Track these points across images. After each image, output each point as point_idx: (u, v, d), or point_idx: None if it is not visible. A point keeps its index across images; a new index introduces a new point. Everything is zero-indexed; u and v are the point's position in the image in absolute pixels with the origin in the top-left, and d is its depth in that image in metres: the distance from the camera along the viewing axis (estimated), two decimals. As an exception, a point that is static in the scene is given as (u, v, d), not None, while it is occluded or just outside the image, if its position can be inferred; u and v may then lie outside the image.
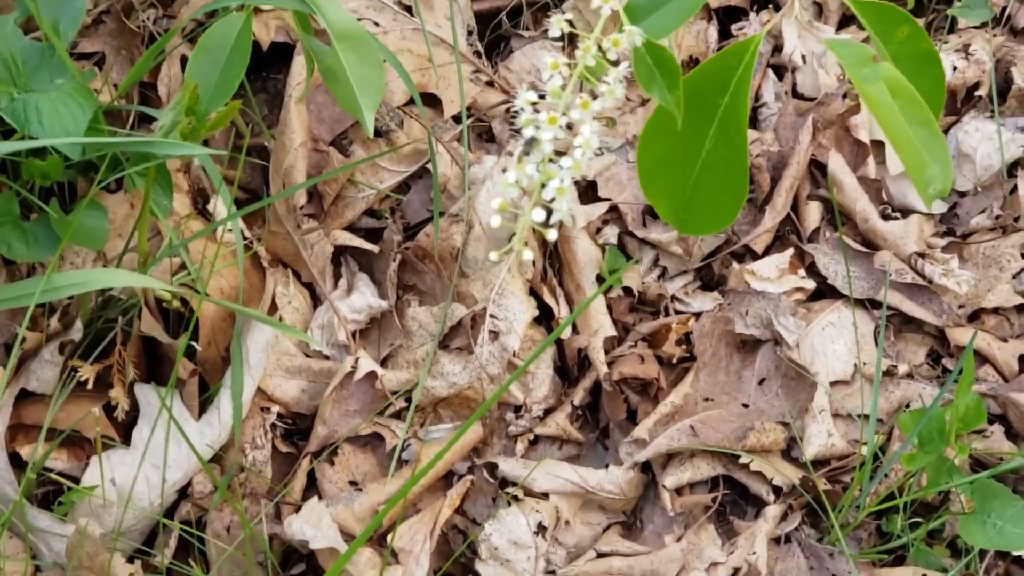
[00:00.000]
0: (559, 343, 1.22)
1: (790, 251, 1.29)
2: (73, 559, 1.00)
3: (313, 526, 1.05)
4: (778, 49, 1.45)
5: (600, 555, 1.11)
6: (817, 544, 1.12)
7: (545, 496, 1.13)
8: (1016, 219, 1.33)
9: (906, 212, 1.33)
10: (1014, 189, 1.34)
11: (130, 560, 1.04)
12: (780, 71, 1.44)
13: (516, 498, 1.12)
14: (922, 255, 1.28)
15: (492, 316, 1.18)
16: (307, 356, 1.17)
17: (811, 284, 1.27)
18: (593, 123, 0.61)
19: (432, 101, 1.31)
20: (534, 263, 1.23)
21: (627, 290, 1.27)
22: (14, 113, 0.96)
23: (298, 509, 1.08)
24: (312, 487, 1.13)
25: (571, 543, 1.13)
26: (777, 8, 1.48)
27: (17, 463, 1.05)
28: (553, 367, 1.21)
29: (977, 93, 1.41)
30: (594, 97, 0.64)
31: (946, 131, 1.40)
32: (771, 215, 1.31)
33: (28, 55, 1.01)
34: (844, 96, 1.37)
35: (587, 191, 1.29)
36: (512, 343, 1.16)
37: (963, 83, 1.42)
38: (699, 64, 1.39)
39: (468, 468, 1.15)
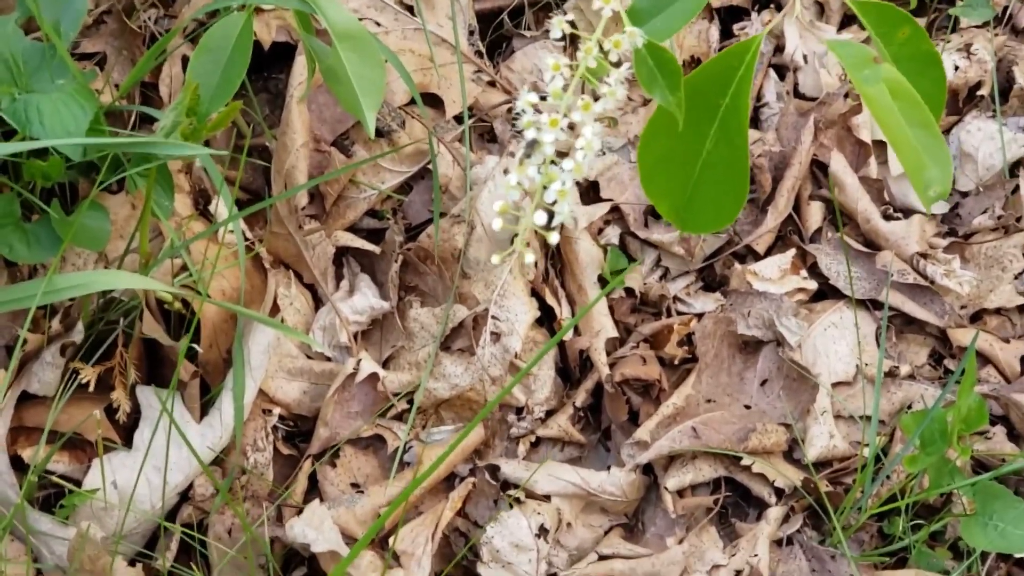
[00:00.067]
0: (561, 344, 1.22)
1: (792, 252, 1.28)
2: (74, 562, 1.00)
3: (315, 529, 1.05)
4: (780, 49, 1.45)
5: (602, 557, 1.11)
6: (819, 546, 1.12)
7: (547, 498, 1.13)
8: (1018, 219, 1.33)
9: (908, 212, 1.33)
10: (1016, 189, 1.34)
11: (131, 563, 1.04)
12: (782, 71, 1.44)
13: (518, 500, 1.11)
14: (924, 255, 1.28)
15: (494, 317, 1.18)
16: (309, 358, 1.17)
17: (813, 285, 1.27)
18: (595, 125, 0.61)
19: (434, 101, 1.30)
20: (536, 264, 1.23)
21: (629, 291, 1.27)
22: (15, 114, 0.96)
23: (299, 512, 1.08)
24: (314, 489, 1.13)
25: (573, 545, 1.13)
26: (779, 8, 1.48)
27: (18, 466, 1.05)
28: (555, 368, 1.21)
29: (979, 93, 1.40)
30: (596, 99, 0.64)
31: (948, 131, 1.39)
32: (773, 215, 1.30)
33: (29, 55, 1.01)
34: (846, 96, 1.37)
35: (589, 191, 1.29)
36: (514, 344, 1.16)
37: (965, 83, 1.41)
38: (701, 64, 1.40)
39: (470, 470, 1.15)
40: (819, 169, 1.35)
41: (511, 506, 1.11)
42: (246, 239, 1.18)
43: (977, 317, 1.29)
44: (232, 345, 1.11)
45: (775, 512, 1.13)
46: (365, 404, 1.16)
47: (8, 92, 0.98)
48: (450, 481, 1.16)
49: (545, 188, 0.60)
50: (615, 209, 1.30)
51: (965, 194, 1.36)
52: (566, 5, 1.38)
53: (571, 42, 0.77)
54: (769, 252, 1.30)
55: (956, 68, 1.41)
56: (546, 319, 1.23)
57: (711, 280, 1.30)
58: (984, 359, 1.25)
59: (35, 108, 0.96)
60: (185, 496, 1.09)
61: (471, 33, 1.36)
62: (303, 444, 1.16)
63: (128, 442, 1.08)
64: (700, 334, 1.23)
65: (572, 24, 0.62)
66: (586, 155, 0.60)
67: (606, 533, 1.14)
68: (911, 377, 1.23)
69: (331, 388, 1.14)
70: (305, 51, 1.07)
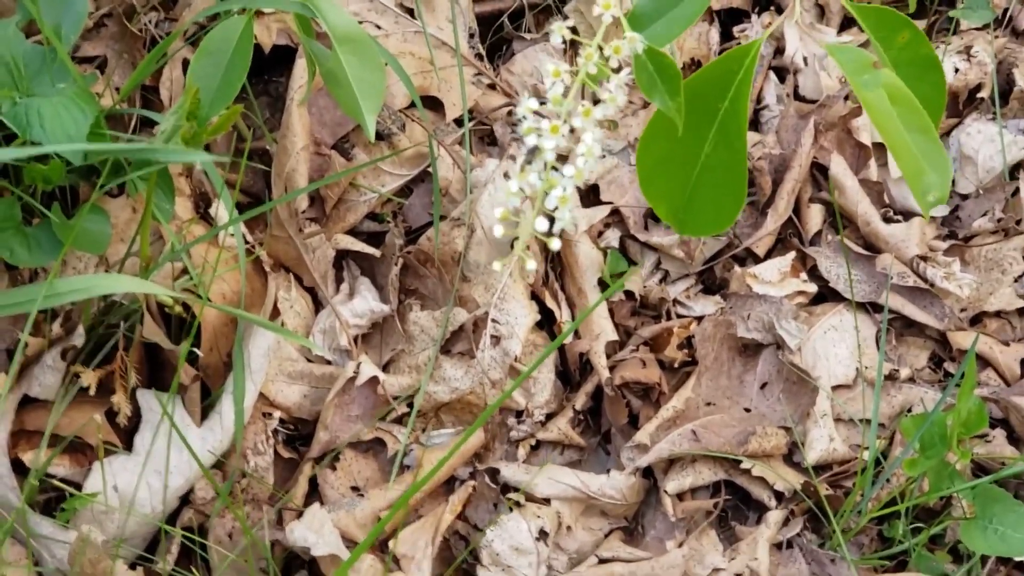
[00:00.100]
0: (561, 347, 1.22)
1: (792, 254, 1.28)
2: (75, 566, 1.00)
3: (315, 532, 1.05)
4: (780, 51, 1.45)
5: (602, 561, 1.11)
6: (819, 549, 1.12)
7: (547, 501, 1.13)
8: (1018, 222, 1.33)
9: (908, 215, 1.33)
10: (1016, 192, 1.34)
11: (132, 566, 1.04)
12: (782, 73, 1.44)
13: (518, 504, 1.11)
14: (924, 258, 1.28)
15: (494, 321, 1.18)
16: (309, 361, 1.17)
17: (813, 288, 1.27)
18: (595, 131, 0.61)
19: (434, 104, 1.30)
20: (536, 268, 1.23)
21: (629, 294, 1.27)
22: (16, 117, 0.96)
23: (300, 515, 1.08)
24: (314, 493, 1.13)
25: (572, 549, 1.13)
26: (779, 9, 1.48)
27: (19, 469, 1.05)
28: (555, 372, 1.21)
29: (979, 95, 1.41)
30: (596, 102, 0.64)
31: (948, 133, 1.39)
32: (773, 218, 1.30)
33: (30, 59, 1.01)
34: (846, 98, 1.37)
35: (589, 194, 1.29)
36: (514, 348, 1.16)
37: (965, 85, 1.41)
38: (700, 65, 1.40)
39: (470, 473, 1.15)
40: (819, 172, 1.35)
41: (511, 509, 1.11)
42: (246, 242, 1.18)
43: (977, 320, 1.29)
44: (232, 348, 1.12)
45: (775, 515, 1.13)
46: (365, 407, 1.16)
47: (9, 96, 0.98)
48: (450, 484, 1.16)
49: (546, 194, 0.60)
50: (615, 212, 1.30)
51: (965, 197, 1.36)
52: (566, 8, 1.38)
53: (571, 45, 0.77)
54: (769, 255, 1.30)
55: (956, 70, 1.41)
56: (546, 322, 1.23)
57: (711, 283, 1.30)
58: (984, 362, 1.25)
59: (36, 112, 0.96)
60: (186, 500, 1.09)
61: (471, 36, 1.36)
62: (303, 447, 1.16)
63: (128, 446, 1.08)
64: (700, 337, 1.24)
65: (573, 30, 0.62)
66: (587, 161, 0.60)
67: (606, 536, 1.14)
68: (911, 380, 1.23)
69: (331, 391, 1.14)
70: (305, 54, 1.08)
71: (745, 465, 1.15)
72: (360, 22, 1.28)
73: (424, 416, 1.17)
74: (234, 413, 1.08)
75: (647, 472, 1.17)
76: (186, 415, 1.09)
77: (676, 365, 1.23)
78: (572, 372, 1.23)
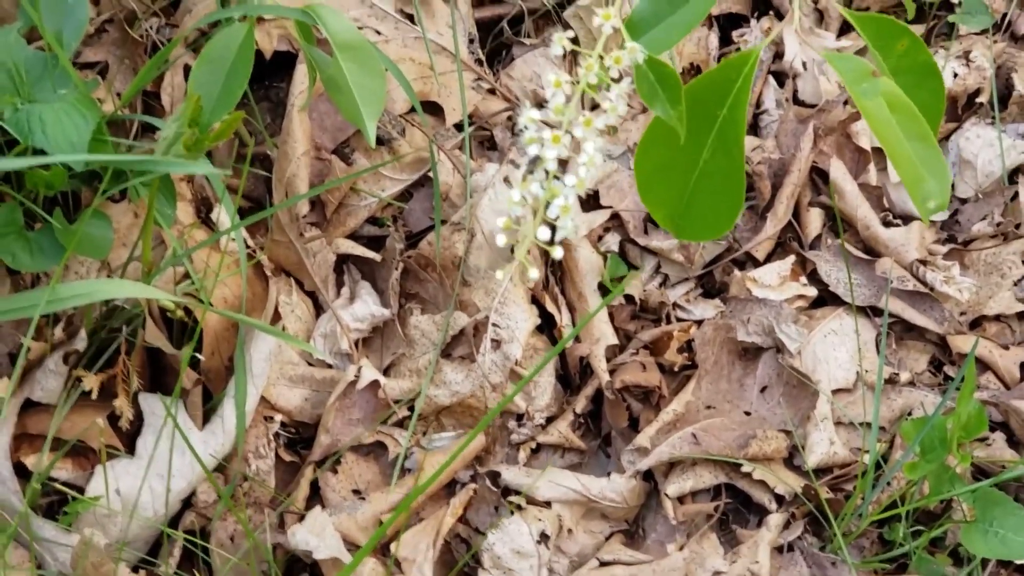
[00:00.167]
0: (561, 351, 1.23)
1: (791, 258, 1.29)
2: (78, 569, 1.00)
3: (316, 536, 1.05)
4: (779, 56, 1.45)
5: (602, 564, 1.11)
6: (820, 553, 1.13)
7: (547, 504, 1.13)
8: (1017, 226, 1.33)
9: (907, 219, 1.33)
10: (1015, 196, 1.34)
11: (134, 570, 1.05)
12: (781, 78, 1.44)
13: (519, 507, 1.12)
14: (923, 262, 1.28)
15: (494, 325, 1.18)
16: (310, 365, 1.18)
17: (813, 291, 1.27)
18: (597, 140, 0.61)
19: (434, 109, 1.31)
20: (531, 261, 1.23)
21: (629, 298, 1.27)
22: (18, 124, 0.97)
23: (301, 518, 1.08)
24: (315, 496, 1.13)
25: (573, 552, 1.13)
26: (778, 14, 1.48)
27: (22, 473, 1.05)
28: (555, 375, 1.22)
29: (978, 99, 1.41)
30: (594, 107, 0.64)
31: (947, 137, 1.40)
32: (772, 222, 1.31)
33: (31, 65, 1.01)
34: (845, 103, 1.37)
35: (589, 199, 1.30)
36: (514, 352, 1.17)
37: (964, 90, 1.42)
38: (700, 71, 1.40)
39: (471, 477, 1.15)
40: (819, 176, 1.35)
41: (512, 512, 1.11)
42: (247, 247, 1.19)
43: (976, 324, 1.29)
44: (234, 352, 1.12)
45: (776, 519, 1.14)
46: (366, 411, 1.16)
47: (10, 102, 0.98)
48: (451, 487, 1.16)
49: (548, 204, 0.60)
50: (615, 216, 1.30)
51: (964, 201, 1.37)
52: (565, 14, 1.38)
53: (572, 51, 0.78)
54: (769, 259, 1.31)
55: (955, 75, 1.41)
56: (546, 326, 1.23)
57: (711, 287, 1.31)
58: (983, 365, 1.25)
59: (37, 118, 0.97)
60: (187, 503, 1.09)
61: (471, 41, 1.37)
62: (305, 451, 1.16)
63: (131, 449, 1.08)
64: (700, 341, 1.24)
65: (574, 41, 0.63)
66: (589, 171, 0.60)
67: (607, 539, 1.15)
68: (911, 384, 1.23)
69: (332, 395, 1.15)
70: (306, 61, 1.08)
71: (746, 468, 1.15)
72: (360, 28, 1.29)
73: (425, 420, 1.17)
74: (236, 417, 1.09)
75: (648, 475, 1.17)
76: (188, 419, 1.09)
77: (676, 369, 1.23)
78: (572, 375, 1.23)
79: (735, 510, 1.18)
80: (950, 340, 1.26)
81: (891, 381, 1.23)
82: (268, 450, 1.12)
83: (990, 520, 1.06)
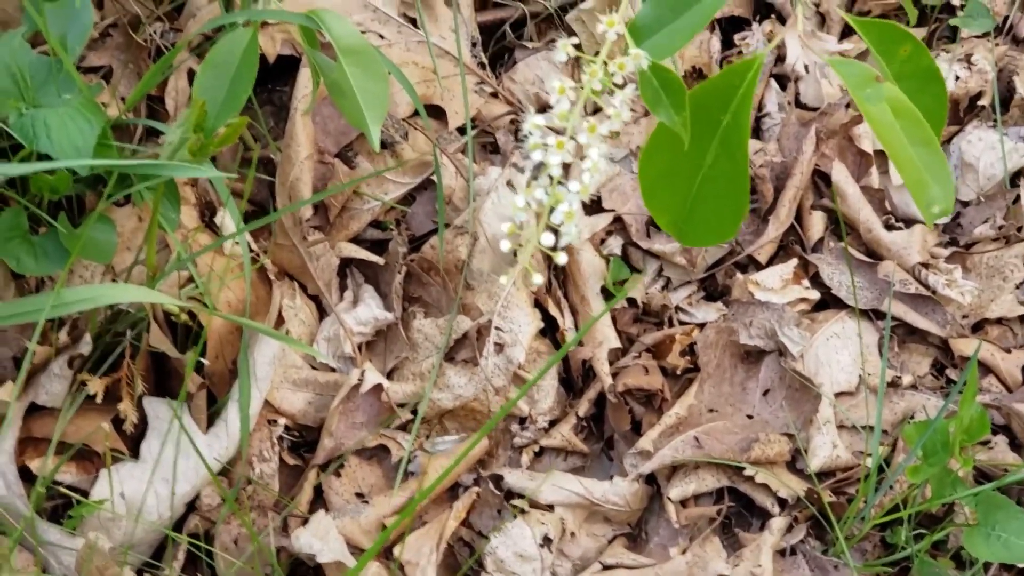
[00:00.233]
0: (564, 355, 1.23)
1: (794, 261, 1.29)
2: (83, 573, 1.01)
3: (320, 539, 1.06)
4: (781, 59, 1.45)
5: (605, 567, 1.11)
6: (822, 556, 1.13)
7: (550, 508, 1.13)
8: (1019, 229, 1.33)
9: (909, 222, 1.33)
10: (1017, 199, 1.35)
11: (139, 573, 1.05)
12: (783, 81, 1.44)
13: (522, 510, 1.12)
14: (926, 265, 1.29)
15: (497, 328, 1.18)
16: (313, 369, 1.18)
17: (815, 294, 1.28)
18: (601, 146, 0.61)
19: (437, 113, 1.31)
20: (534, 267, 1.24)
21: (631, 301, 1.27)
22: (22, 128, 0.97)
23: (305, 522, 1.08)
24: (319, 499, 1.13)
25: (576, 555, 1.13)
26: (779, 17, 1.49)
27: (26, 476, 1.05)
28: (558, 378, 1.22)
29: (980, 103, 1.41)
30: (596, 111, 0.65)
31: (949, 141, 1.40)
32: (775, 225, 1.31)
33: (36, 69, 1.01)
34: (847, 106, 1.37)
35: (591, 202, 1.30)
36: (517, 355, 1.17)
37: (966, 93, 1.42)
38: (701, 73, 1.40)
39: (474, 480, 1.16)
40: (821, 179, 1.36)
41: (515, 516, 1.12)
42: (251, 250, 1.19)
43: (979, 327, 1.29)
44: (238, 356, 1.12)
45: (778, 522, 1.14)
46: (369, 414, 1.16)
47: (15, 106, 0.99)
48: (454, 491, 1.16)
49: (552, 209, 0.60)
50: (617, 220, 1.30)
51: (966, 204, 1.37)
52: (568, 17, 1.39)
53: (575, 51, 0.78)
54: (771, 262, 1.31)
55: (957, 78, 1.41)
56: (549, 329, 1.24)
57: (713, 290, 1.31)
58: (985, 369, 1.25)
59: (42, 123, 0.97)
60: (192, 506, 1.10)
61: (473, 45, 1.37)
62: (308, 454, 1.16)
63: (135, 453, 1.08)
64: (702, 344, 1.24)
65: (578, 47, 0.63)
66: (593, 177, 0.61)
67: (610, 543, 1.15)
68: (913, 387, 1.24)
69: (336, 399, 1.15)
70: (310, 65, 1.08)
71: (748, 472, 1.15)
72: (363, 32, 1.29)
73: (428, 423, 1.18)
74: (240, 420, 1.09)
75: (650, 479, 1.17)
76: (192, 422, 1.09)
77: (678, 372, 1.23)
78: (575, 379, 1.24)
79: (738, 513, 1.18)
80: (952, 343, 1.26)
81: (893, 384, 1.23)
82: (272, 454, 1.12)
83: (992, 524, 1.06)
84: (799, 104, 1.42)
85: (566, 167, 0.63)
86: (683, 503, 1.16)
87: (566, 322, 1.23)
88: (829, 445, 1.18)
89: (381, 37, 1.31)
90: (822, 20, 1.50)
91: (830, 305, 1.29)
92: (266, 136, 1.25)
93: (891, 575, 1.14)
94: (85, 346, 1.07)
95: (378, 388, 1.15)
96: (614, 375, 1.20)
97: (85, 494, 1.05)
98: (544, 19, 1.42)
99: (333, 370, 1.19)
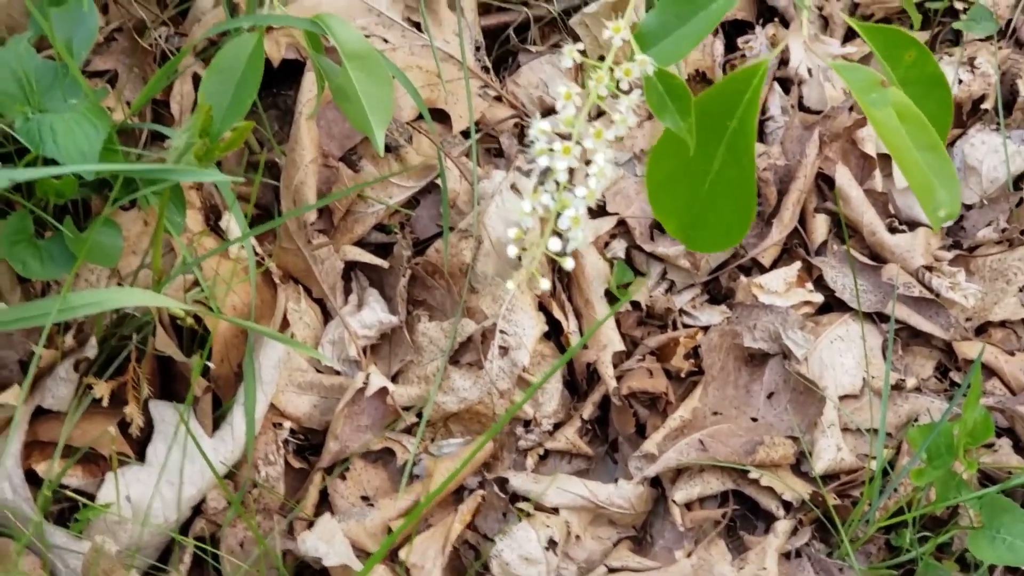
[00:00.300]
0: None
1: (797, 264, 1.29)
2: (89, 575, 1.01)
3: (326, 543, 1.06)
4: (784, 62, 1.46)
5: (611, 570, 1.11)
6: (827, 559, 1.13)
7: (555, 511, 1.13)
8: (1022, 232, 1.33)
9: (913, 225, 1.33)
10: (1020, 202, 1.35)
11: (145, 576, 1.05)
12: (786, 84, 1.45)
13: (527, 513, 1.12)
14: (929, 268, 1.29)
15: (502, 331, 1.18)
16: (319, 372, 1.18)
17: (819, 297, 1.28)
18: (607, 151, 0.62)
19: (441, 116, 1.31)
20: (540, 272, 1.24)
21: (635, 304, 1.27)
22: (29, 133, 0.97)
23: (311, 525, 1.08)
24: (324, 502, 1.14)
25: (582, 558, 1.13)
26: (782, 20, 1.49)
27: (33, 480, 1.06)
28: (562, 381, 1.22)
29: (983, 106, 1.41)
30: (600, 114, 0.65)
31: (952, 144, 1.40)
32: (778, 228, 1.31)
33: (41, 74, 1.02)
34: (850, 109, 1.37)
35: (595, 206, 1.30)
36: (522, 358, 1.17)
37: (969, 96, 1.42)
38: (705, 77, 1.41)
39: (479, 483, 1.16)
40: (824, 182, 1.36)
41: (520, 519, 1.12)
42: (256, 254, 1.19)
43: (982, 330, 1.29)
44: (243, 359, 1.12)
45: (783, 525, 1.14)
46: (374, 418, 1.17)
47: (21, 111, 0.99)
48: (459, 494, 1.16)
49: (558, 214, 0.61)
50: (621, 223, 1.31)
51: (969, 207, 1.37)
52: (572, 21, 1.39)
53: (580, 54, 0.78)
54: (775, 265, 1.31)
55: (960, 81, 1.41)
56: (553, 333, 1.24)
57: (717, 293, 1.31)
58: (989, 371, 1.25)
59: (48, 127, 0.97)
60: (197, 510, 1.10)
61: (477, 49, 1.37)
62: (313, 457, 1.17)
63: (141, 456, 1.08)
64: (706, 347, 1.24)
65: (582, 53, 0.63)
66: (599, 182, 0.61)
67: (615, 546, 1.15)
68: (917, 390, 1.24)
69: (341, 402, 1.15)
70: (314, 70, 1.08)
71: (753, 475, 1.15)
72: (367, 36, 1.29)
73: (433, 426, 1.18)
74: (245, 424, 1.09)
75: (655, 481, 1.18)
76: (198, 426, 1.10)
77: (683, 375, 1.23)
78: (579, 382, 1.24)
79: (742, 516, 1.19)
80: (956, 346, 1.26)
81: (897, 387, 1.23)
82: (277, 457, 1.13)
83: (997, 526, 1.06)
84: (802, 107, 1.42)
85: (571, 172, 0.63)
86: (688, 506, 1.16)
87: (570, 325, 1.23)
88: (833, 448, 1.18)
89: (385, 41, 1.31)
90: (825, 23, 1.50)
91: (834, 308, 1.29)
92: (271, 140, 1.26)
93: (896, 578, 1.14)
94: (91, 350, 1.07)
95: (383, 391, 1.16)
96: (618, 378, 1.21)
97: (91, 497, 1.06)
98: (548, 23, 1.42)
99: (338, 373, 1.19)
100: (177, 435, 1.06)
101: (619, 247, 1.30)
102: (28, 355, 1.09)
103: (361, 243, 1.26)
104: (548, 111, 1.37)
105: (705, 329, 1.26)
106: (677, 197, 0.77)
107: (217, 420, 1.12)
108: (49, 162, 0.97)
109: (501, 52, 1.42)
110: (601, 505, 1.14)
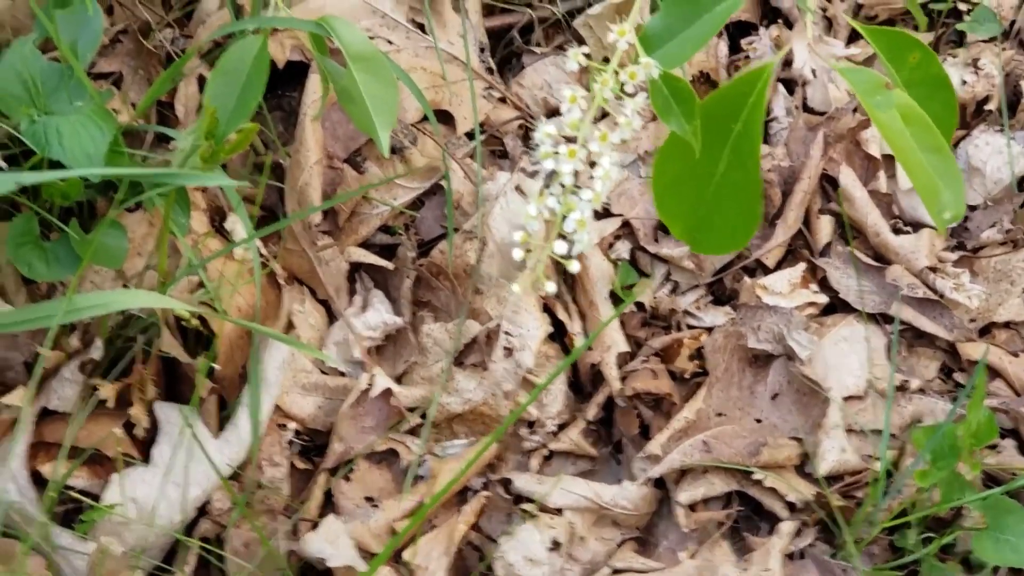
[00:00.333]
0: (572, 359, 1.23)
1: (802, 265, 1.29)
2: (94, 577, 1.01)
3: (331, 544, 1.06)
4: (788, 63, 1.46)
5: (615, 571, 1.12)
6: (831, 560, 1.13)
7: (559, 512, 1.14)
8: (1027, 233, 1.33)
9: (917, 226, 1.33)
10: (1024, 203, 1.35)
11: (150, 577, 1.06)
12: (790, 85, 1.45)
13: (531, 514, 1.12)
14: (933, 269, 1.29)
15: (506, 333, 1.19)
16: (323, 373, 1.18)
17: (823, 298, 1.28)
18: (612, 155, 0.62)
19: (445, 118, 1.32)
20: (546, 275, 1.24)
21: (639, 305, 1.27)
22: (34, 136, 0.98)
23: (315, 526, 1.09)
24: (329, 503, 1.14)
25: (586, 559, 1.13)
26: (786, 22, 1.49)
27: (38, 481, 1.06)
28: (567, 382, 1.22)
29: (987, 107, 1.41)
30: (603, 116, 0.65)
31: (956, 145, 1.40)
32: (782, 229, 1.31)
33: (47, 76, 1.02)
34: (855, 110, 1.37)
35: (600, 208, 1.30)
36: (526, 360, 1.17)
37: (973, 97, 1.42)
38: (709, 78, 1.41)
39: (483, 484, 1.16)
40: (828, 183, 1.36)
41: (524, 520, 1.12)
42: (260, 255, 1.20)
43: (986, 331, 1.29)
44: (248, 361, 1.13)
45: (787, 526, 1.14)
46: (379, 419, 1.17)
47: (27, 113, 0.99)
48: (463, 495, 1.16)
49: (564, 218, 0.61)
50: (625, 224, 1.31)
51: (973, 208, 1.37)
52: (576, 22, 1.39)
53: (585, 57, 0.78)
54: (779, 266, 1.31)
55: (964, 82, 1.41)
56: (557, 334, 1.24)
57: (721, 294, 1.31)
58: (993, 372, 1.25)
59: (54, 130, 0.98)
60: (203, 511, 1.10)
61: (482, 50, 1.38)
62: (318, 458, 1.17)
63: (146, 458, 1.09)
64: (710, 348, 1.24)
65: (588, 56, 0.64)
66: (604, 185, 0.61)
67: (619, 547, 1.15)
68: (921, 391, 1.24)
69: (345, 403, 1.15)
70: (319, 71, 1.09)
71: (757, 476, 1.15)
72: (372, 37, 1.30)
73: (437, 427, 1.18)
74: (250, 425, 1.09)
75: (659, 483, 1.18)
76: (203, 427, 1.10)
77: (687, 376, 1.24)
78: (583, 383, 1.24)
79: (747, 517, 1.19)
80: (960, 347, 1.26)
81: (902, 388, 1.23)
82: (282, 458, 1.13)
83: (1001, 527, 1.06)
84: (806, 108, 1.42)
85: (576, 174, 0.63)
86: (692, 507, 1.16)
87: (575, 326, 1.23)
88: (838, 449, 1.18)
89: (390, 43, 1.31)
90: (829, 24, 1.50)
91: (838, 309, 1.29)
92: (275, 141, 1.26)
93: (900, 579, 1.14)
94: (96, 351, 1.08)
95: (387, 392, 1.16)
96: (622, 379, 1.21)
97: (97, 498, 1.06)
98: (552, 24, 1.42)
99: (343, 374, 1.19)
100: (182, 436, 1.07)
101: (623, 248, 1.30)
102: (34, 356, 1.09)
103: (366, 244, 1.27)
104: (552, 112, 1.38)
105: (709, 330, 1.26)
106: (682, 200, 0.78)
107: (222, 421, 1.12)
108: (55, 164, 0.97)
109: (505, 53, 1.42)
110: (605, 506, 1.14)
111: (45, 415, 1.08)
